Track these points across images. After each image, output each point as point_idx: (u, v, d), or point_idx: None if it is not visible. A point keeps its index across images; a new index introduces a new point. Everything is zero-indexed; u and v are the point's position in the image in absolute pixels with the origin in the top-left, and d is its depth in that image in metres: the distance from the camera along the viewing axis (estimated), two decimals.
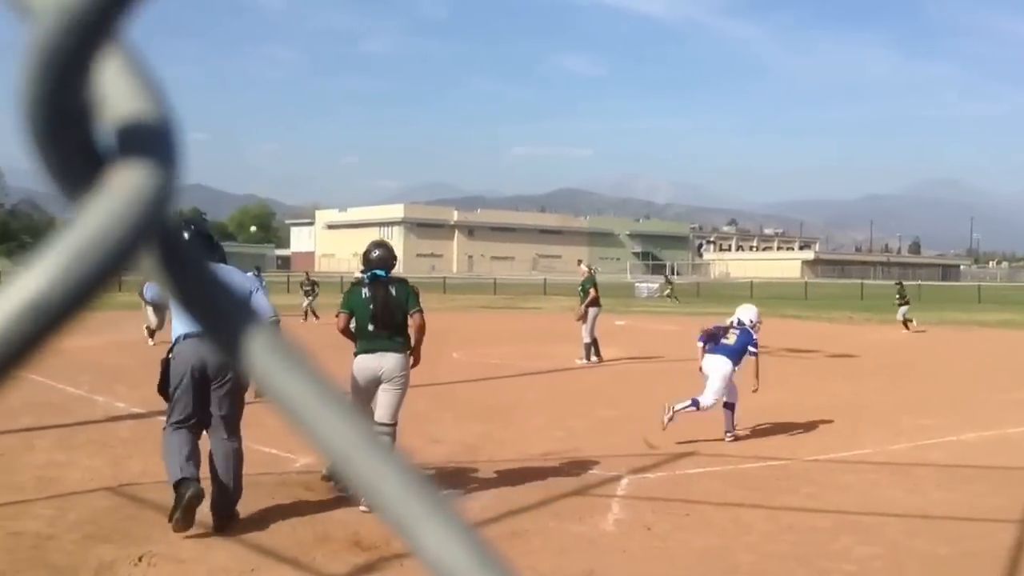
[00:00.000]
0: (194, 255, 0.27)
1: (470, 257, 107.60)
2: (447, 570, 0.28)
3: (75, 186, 0.24)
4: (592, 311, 15.53)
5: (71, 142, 0.24)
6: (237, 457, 5.73)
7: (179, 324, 5.73)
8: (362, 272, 6.65)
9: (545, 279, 57.23)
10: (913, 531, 5.83)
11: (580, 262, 19.71)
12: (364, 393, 6.24)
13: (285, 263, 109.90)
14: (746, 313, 9.48)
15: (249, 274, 6.41)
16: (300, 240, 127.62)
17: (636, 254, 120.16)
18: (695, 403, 8.56)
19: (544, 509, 6.17)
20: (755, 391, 8.75)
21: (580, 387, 12.59)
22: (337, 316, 6.50)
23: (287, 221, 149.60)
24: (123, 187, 0.24)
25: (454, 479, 6.92)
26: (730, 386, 8.77)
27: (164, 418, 5.73)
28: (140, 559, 4.98)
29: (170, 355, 5.68)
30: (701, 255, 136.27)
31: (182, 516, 5.28)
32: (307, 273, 24.08)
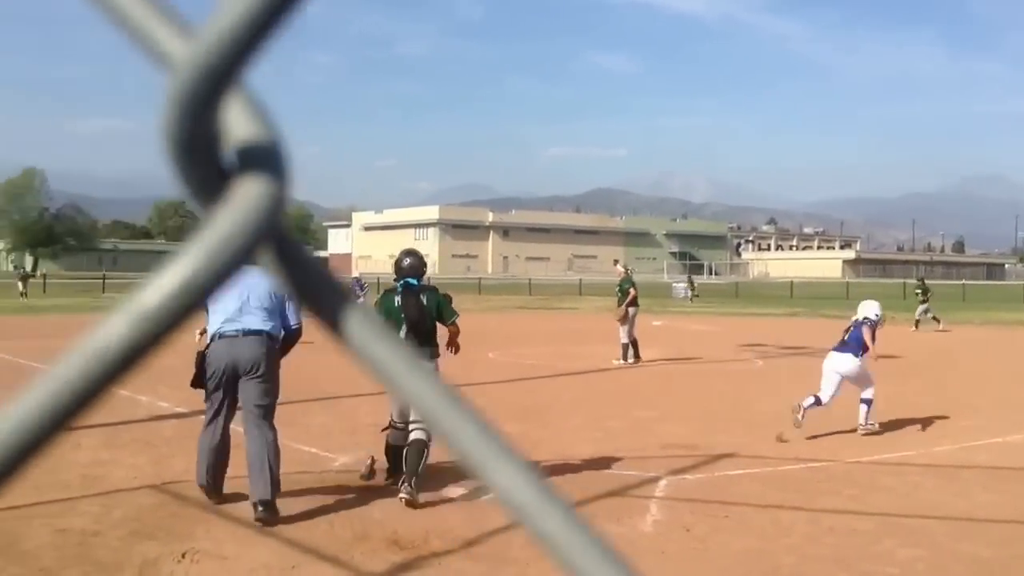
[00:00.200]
0: (301, 251, 0.35)
1: (505, 258, 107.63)
2: (516, 504, 0.34)
3: (207, 197, 0.32)
4: (630, 311, 15.48)
5: (203, 163, 0.32)
6: (273, 449, 5.88)
7: (214, 322, 5.99)
8: (394, 280, 6.86)
9: (580, 279, 57.11)
10: (957, 534, 5.74)
11: (616, 262, 19.66)
12: (399, 398, 6.33)
13: (323, 265, 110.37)
14: (868, 309, 9.64)
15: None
16: (337, 242, 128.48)
17: (673, 254, 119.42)
18: (817, 400, 8.92)
19: (581, 509, 6.14)
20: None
21: (617, 387, 12.55)
22: None
23: (324, 223, 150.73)
24: (244, 198, 0.32)
25: None
26: (864, 379, 9.13)
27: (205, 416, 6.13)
28: (183, 556, 5.05)
29: (205, 351, 6.01)
30: (739, 255, 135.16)
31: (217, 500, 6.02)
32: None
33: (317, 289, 0.35)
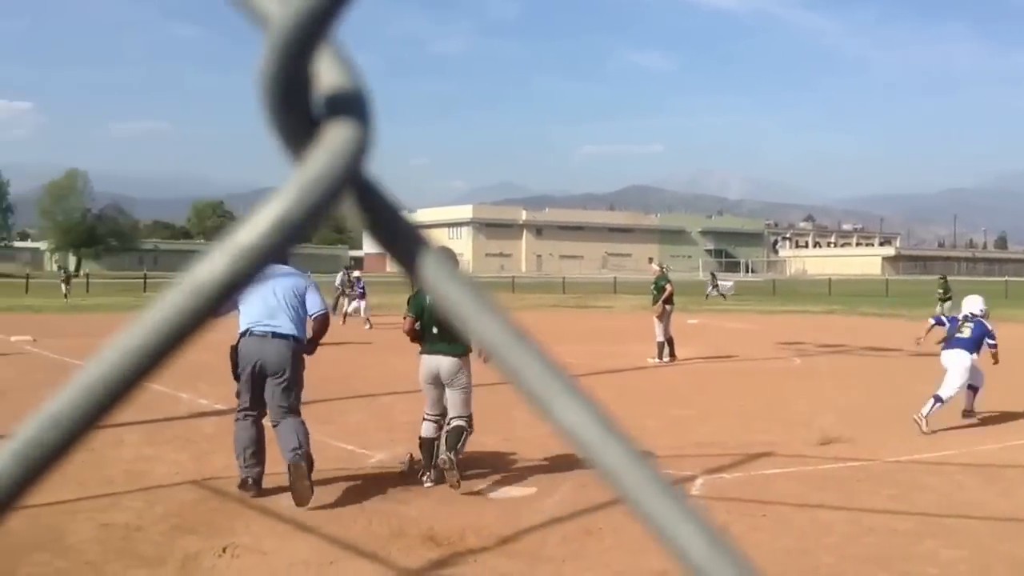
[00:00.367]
0: (382, 195, 0.37)
1: (539, 256, 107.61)
2: (581, 437, 0.35)
3: (299, 141, 0.34)
4: (666, 308, 15.41)
5: (296, 109, 0.34)
6: (302, 429, 6.20)
7: (245, 319, 6.30)
8: None
9: (615, 277, 56.95)
10: (1001, 534, 5.66)
11: (651, 260, 19.57)
12: (432, 388, 6.77)
13: (358, 264, 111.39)
14: (974, 304, 9.76)
15: (304, 275, 6.84)
16: (372, 241, 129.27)
17: (708, 251, 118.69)
18: (938, 399, 8.99)
19: (617, 507, 6.12)
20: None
21: (653, 386, 12.51)
22: (404, 319, 6.92)
23: None
24: (333, 141, 0.34)
25: (525, 477, 6.95)
26: (975, 373, 9.31)
27: None
28: (224, 550, 5.12)
29: (236, 344, 6.33)
30: (776, 252, 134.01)
31: (254, 494, 6.22)
32: (346, 269, 24.30)
33: (396, 232, 0.37)
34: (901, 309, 30.58)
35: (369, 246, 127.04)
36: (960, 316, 9.79)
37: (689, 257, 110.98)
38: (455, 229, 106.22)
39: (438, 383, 6.75)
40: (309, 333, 6.57)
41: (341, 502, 6.11)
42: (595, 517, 5.90)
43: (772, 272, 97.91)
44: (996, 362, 9.49)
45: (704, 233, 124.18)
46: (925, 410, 8.88)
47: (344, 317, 22.37)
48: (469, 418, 6.70)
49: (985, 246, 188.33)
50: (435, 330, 6.70)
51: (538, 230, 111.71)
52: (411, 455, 6.89)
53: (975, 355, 9.24)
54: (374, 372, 13.29)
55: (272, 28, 0.33)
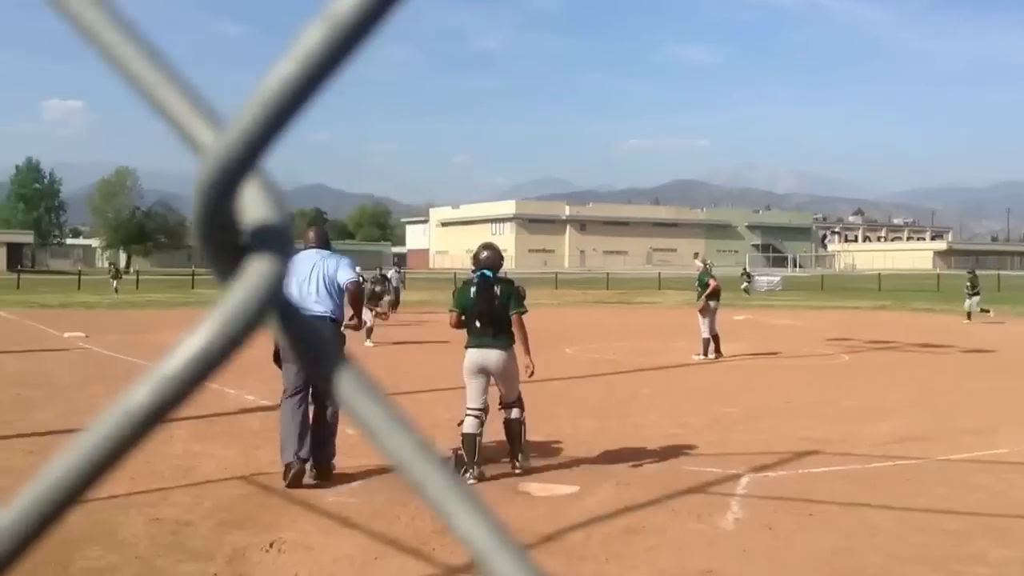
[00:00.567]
0: (300, 314, 0.40)
1: (582, 252, 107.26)
2: (474, 544, 0.38)
3: (226, 270, 0.37)
4: (710, 304, 15.29)
5: (224, 240, 0.37)
6: (334, 419, 6.65)
7: None
8: (472, 272, 7.20)
9: (659, 273, 56.59)
10: None
11: (696, 255, 19.40)
12: (475, 380, 6.91)
13: (401, 260, 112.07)
14: None
15: (341, 256, 7.18)
16: (415, 238, 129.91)
17: (755, 246, 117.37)
18: None
19: (661, 506, 6.12)
20: None
21: (697, 383, 12.42)
22: (450, 313, 7.14)
23: (402, 219, 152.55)
24: (252, 276, 0.37)
25: (568, 474, 6.95)
26: None
27: None
28: (271, 545, 5.19)
29: None
30: (825, 247, 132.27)
31: (290, 483, 6.44)
32: (380, 268, 24.34)
33: (315, 349, 0.40)
34: (953, 305, 30.00)
35: (412, 242, 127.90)
36: None
37: (736, 252, 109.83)
38: (497, 225, 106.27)
39: (484, 375, 6.90)
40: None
41: (385, 499, 6.15)
42: (638, 516, 5.89)
43: (820, 267, 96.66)
44: None
45: (751, 228, 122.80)
46: None
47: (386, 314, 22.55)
48: (519, 400, 6.98)
49: None
50: (478, 324, 6.88)
51: (581, 225, 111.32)
52: (454, 452, 6.93)
53: None
54: (416, 369, 13.37)
55: (203, 164, 0.36)
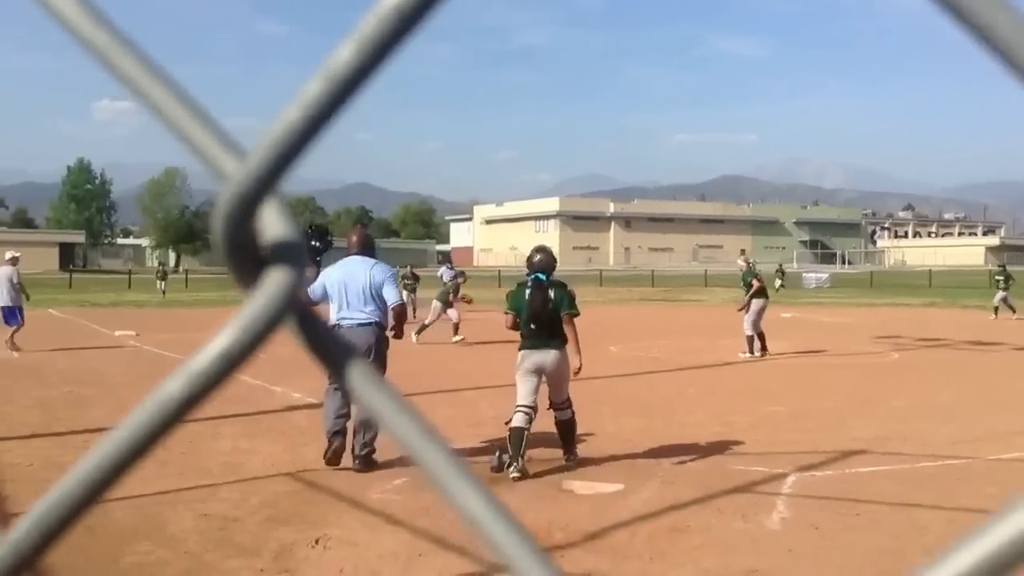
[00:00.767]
0: (316, 319, 0.44)
1: (627, 249, 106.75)
2: (478, 524, 0.40)
3: (247, 281, 0.42)
4: (757, 303, 15.14)
5: (245, 255, 0.42)
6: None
7: (334, 312, 7.10)
8: (526, 275, 7.34)
9: (706, 270, 56.15)
10: None
11: (743, 252, 19.23)
12: (528, 379, 7.01)
13: (446, 258, 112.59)
14: None
15: (386, 266, 7.44)
16: (459, 235, 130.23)
17: (803, 243, 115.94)
18: None
19: (706, 505, 6.08)
20: None
21: (744, 382, 12.30)
22: (505, 315, 7.29)
23: (447, 217, 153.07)
24: (271, 285, 0.42)
25: (612, 473, 6.93)
26: None
27: None
28: (316, 542, 5.25)
29: None
30: (874, 242, 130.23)
31: (331, 458, 6.94)
32: (410, 267, 24.37)
33: (329, 349, 0.44)
34: None
35: (457, 239, 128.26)
36: None
37: (783, 248, 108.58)
38: (541, 222, 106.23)
39: (537, 375, 7.02)
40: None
41: (430, 495, 6.18)
42: (683, 515, 5.86)
43: (870, 263, 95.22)
44: None
45: (799, 224, 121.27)
46: None
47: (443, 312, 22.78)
48: (567, 401, 7.13)
49: None
50: (533, 326, 7.04)
51: (626, 222, 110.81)
52: (499, 451, 6.95)
53: None
54: (461, 367, 13.42)
55: (226, 189, 0.41)
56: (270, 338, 0.42)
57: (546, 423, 7.27)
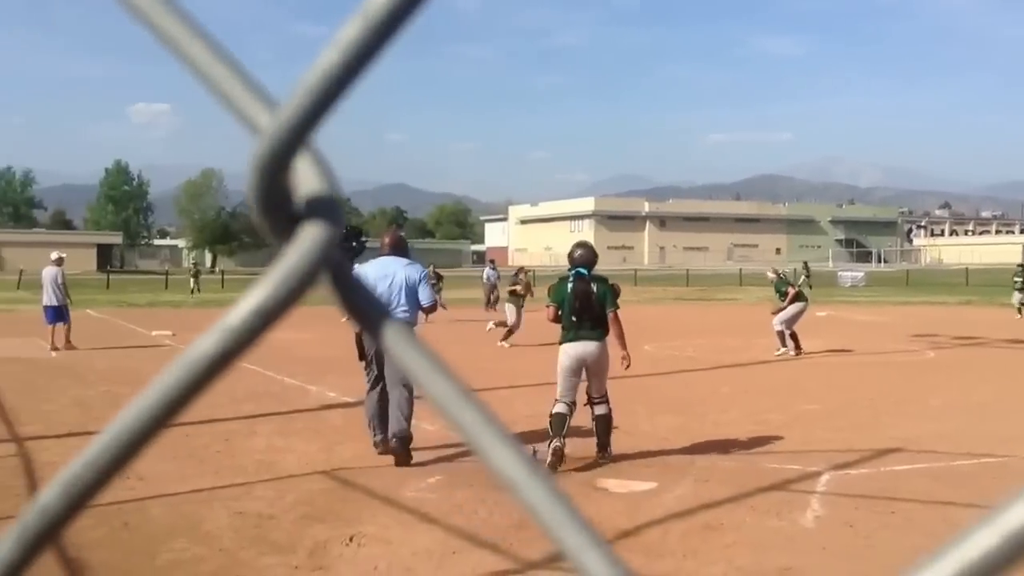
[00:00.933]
0: (349, 275, 0.44)
1: (661, 248, 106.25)
2: (513, 482, 0.40)
3: (281, 236, 0.42)
4: (796, 306, 15.01)
5: (279, 212, 0.41)
6: (409, 403, 7.05)
7: None
8: (568, 270, 7.52)
9: (740, 269, 55.74)
10: None
11: (773, 271, 19.05)
12: (570, 373, 7.14)
13: (480, 258, 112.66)
14: None
15: (419, 265, 7.69)
16: (494, 235, 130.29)
17: (839, 241, 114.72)
18: None
19: (740, 503, 6.06)
20: None
21: (778, 380, 12.22)
22: (547, 308, 7.46)
23: (482, 217, 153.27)
24: (305, 240, 0.41)
25: (646, 471, 6.92)
26: None
27: None
28: (351, 539, 5.29)
29: (361, 332, 7.19)
30: (911, 241, 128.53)
31: (382, 452, 7.22)
32: (432, 266, 24.54)
33: (363, 305, 0.44)
34: None
35: (492, 239, 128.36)
36: None
37: (819, 247, 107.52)
38: (576, 222, 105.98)
39: (578, 368, 7.15)
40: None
41: (464, 493, 6.22)
42: (717, 513, 5.84)
43: (906, 262, 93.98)
44: None
45: (834, 222, 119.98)
46: None
47: (492, 307, 24.17)
48: (605, 396, 7.24)
49: None
50: (574, 318, 7.17)
51: (661, 221, 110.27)
52: (533, 449, 6.97)
53: None
54: (495, 366, 13.45)
55: (260, 141, 0.40)
56: (305, 294, 0.42)
57: (581, 420, 7.28)
